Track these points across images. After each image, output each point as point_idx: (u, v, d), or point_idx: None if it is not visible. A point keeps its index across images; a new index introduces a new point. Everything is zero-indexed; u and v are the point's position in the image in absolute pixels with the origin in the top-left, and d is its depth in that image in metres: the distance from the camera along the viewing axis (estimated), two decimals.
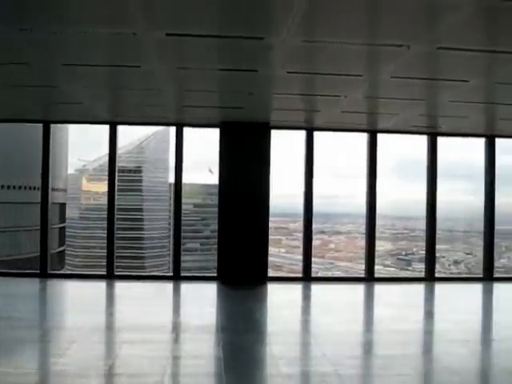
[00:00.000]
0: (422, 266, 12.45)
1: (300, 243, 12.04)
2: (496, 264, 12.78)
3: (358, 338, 7.57)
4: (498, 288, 12.17)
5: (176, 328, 7.95)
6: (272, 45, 6.16)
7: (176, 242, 11.81)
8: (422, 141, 12.47)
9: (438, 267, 12.36)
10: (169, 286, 11.29)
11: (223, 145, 11.59)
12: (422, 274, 12.49)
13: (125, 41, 6.05)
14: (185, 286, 11.35)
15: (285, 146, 12.65)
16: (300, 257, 12.02)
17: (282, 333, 7.69)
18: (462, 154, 13.31)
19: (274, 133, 11.72)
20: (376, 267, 12.14)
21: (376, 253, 12.08)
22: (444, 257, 12.42)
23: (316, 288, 11.56)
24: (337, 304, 9.76)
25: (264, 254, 11.66)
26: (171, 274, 11.81)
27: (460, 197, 12.86)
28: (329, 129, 11.95)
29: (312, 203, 11.99)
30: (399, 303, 9.91)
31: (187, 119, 11.45)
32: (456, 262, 12.66)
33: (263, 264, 11.64)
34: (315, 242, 12.33)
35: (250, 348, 6.92)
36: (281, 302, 9.91)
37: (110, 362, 6.23)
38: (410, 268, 12.54)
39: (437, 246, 12.33)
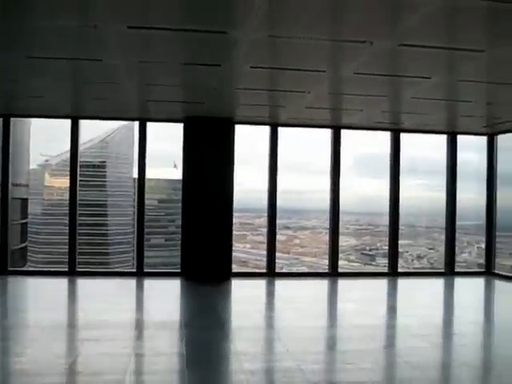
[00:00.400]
0: (385, 261, 12.58)
1: (265, 239, 12.02)
2: (458, 259, 13.03)
3: (321, 333, 7.59)
4: (460, 282, 12.37)
5: (139, 325, 7.86)
6: (235, 39, 6.13)
7: (139, 237, 11.70)
8: (386, 137, 12.57)
9: (401, 262, 12.49)
10: (132, 283, 11.17)
11: (187, 140, 11.52)
12: (386, 269, 12.62)
13: (86, 34, 5.96)
14: (148, 283, 11.24)
15: (249, 142, 12.66)
16: (265, 252, 12.02)
17: (246, 328, 7.68)
18: (424, 150, 13.46)
19: (239, 128, 11.69)
20: (340, 262, 12.19)
21: (340, 248, 12.12)
22: (407, 252, 12.57)
23: (280, 283, 11.58)
24: (300, 299, 9.78)
25: (228, 249, 11.63)
26: (134, 270, 11.67)
27: (422, 192, 12.99)
28: (293, 124, 11.96)
29: (276, 199, 11.99)
30: (363, 298, 9.99)
31: (150, 114, 11.34)
32: (419, 257, 12.77)
33: (227, 259, 11.62)
34: (280, 238, 12.36)
35: (214, 344, 6.88)
36: (245, 297, 9.89)
37: (71, 360, 6.12)
38: (374, 263, 12.64)
39: (400, 241, 12.47)
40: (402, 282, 12.16)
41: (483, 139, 13.08)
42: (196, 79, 8.19)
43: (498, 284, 12.32)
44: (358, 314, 8.64)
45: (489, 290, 12.24)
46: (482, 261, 13.30)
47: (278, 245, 12.13)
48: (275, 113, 10.92)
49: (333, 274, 12.22)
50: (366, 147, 13.23)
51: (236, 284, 11.25)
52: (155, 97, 9.60)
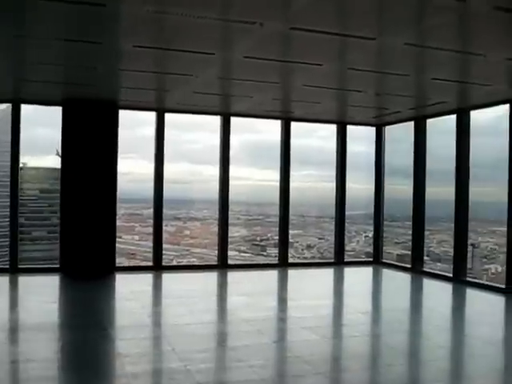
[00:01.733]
0: (276, 251, 12.49)
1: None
2: (346, 248, 13.13)
3: (209, 330, 7.21)
4: (349, 272, 12.46)
5: (9, 327, 7.14)
6: (115, 13, 5.62)
7: (13, 230, 10.80)
8: (276, 126, 12.40)
9: (291, 252, 12.49)
10: (4, 280, 10.26)
11: (66, 125, 10.72)
12: (277, 260, 12.52)
13: None
14: (23, 280, 10.39)
15: (135, 128, 12.17)
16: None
17: (129, 327, 7.18)
18: (315, 140, 13.48)
19: (123, 113, 11.07)
20: (231, 253, 12.03)
21: (231, 239, 11.93)
22: (297, 242, 12.55)
23: (168, 277, 11.12)
24: (188, 294, 9.36)
25: (112, 242, 11.01)
26: (7, 267, 10.72)
27: (313, 183, 12.97)
28: (181, 110, 11.49)
29: (163, 188, 11.50)
30: (253, 291, 9.74)
31: (25, 95, 10.37)
32: (309, 247, 12.76)
33: (111, 253, 11.00)
34: (170, 229, 12.07)
35: (93, 346, 6.33)
36: (129, 293, 9.31)
37: None
38: (265, 253, 12.52)
39: (291, 232, 12.42)
40: (292, 273, 12.07)
41: (373, 130, 13.22)
42: (75, 58, 7.55)
43: (386, 273, 12.51)
44: (247, 308, 8.36)
45: (377, 279, 12.41)
46: (370, 249, 13.51)
47: (167, 236, 11.83)
48: (161, 97, 10.41)
49: (223, 265, 11.93)
50: (255, 136, 13.15)
51: (120, 279, 10.67)
52: (30, 76, 8.79)
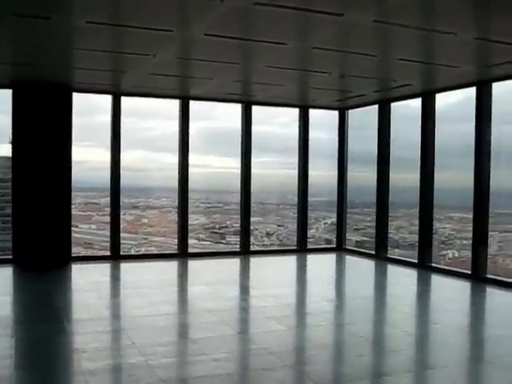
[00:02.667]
0: (236, 239, 12.24)
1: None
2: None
3: (171, 321, 6.89)
4: (312, 259, 12.28)
5: None
6: None
7: None
8: (236, 112, 12.09)
9: (251, 239, 12.25)
10: None
11: (17, 109, 10.16)
12: (237, 247, 12.26)
13: None
14: None
15: (92, 115, 11.71)
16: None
17: (87, 320, 6.78)
18: (274, 127, 13.23)
19: (79, 99, 10.58)
20: (191, 241, 11.70)
21: (190, 227, 11.64)
22: (257, 229, 12.36)
23: (126, 267, 10.74)
24: (148, 284, 9.00)
25: (67, 231, 10.54)
26: None
27: (272, 170, 12.81)
28: (138, 94, 11.04)
29: (119, 176, 11.07)
30: (215, 279, 9.45)
31: None
32: (268, 234, 12.62)
33: (66, 242, 10.54)
34: (128, 218, 11.76)
35: (49, 341, 5.92)
36: (86, 284, 8.91)
37: None
38: (224, 241, 12.34)
39: (250, 219, 12.18)
40: (254, 261, 11.81)
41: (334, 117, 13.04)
42: (23, 35, 7.04)
43: (350, 259, 12.36)
44: (209, 298, 8.06)
45: (341, 266, 12.24)
46: (329, 236, 13.38)
47: (125, 225, 11.50)
48: (117, 80, 9.96)
49: (183, 254, 11.59)
50: (213, 123, 12.78)
51: (77, 269, 10.24)
52: None
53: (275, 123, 12.94)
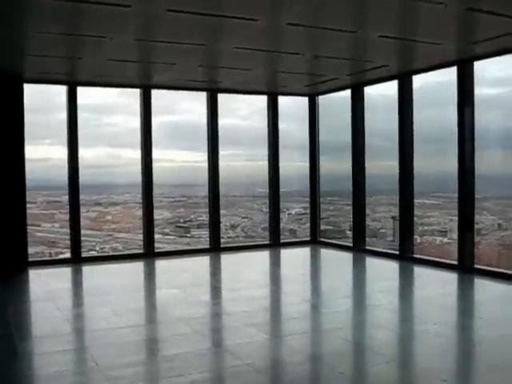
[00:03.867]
0: (200, 233, 11.85)
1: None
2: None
3: (139, 335, 6.10)
4: (287, 254, 11.70)
5: None
6: None
7: None
8: (199, 106, 11.49)
9: None
10: None
11: None
12: (206, 243, 11.67)
13: None
14: None
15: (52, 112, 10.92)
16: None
17: (44, 338, 6.00)
18: (236, 118, 12.65)
19: (29, 88, 9.68)
20: (156, 236, 11.14)
21: (155, 221, 11.10)
22: (222, 222, 11.75)
23: (89, 270, 9.96)
24: (112, 289, 8.23)
25: (22, 234, 9.69)
26: None
27: (234, 162, 12.10)
28: (96, 83, 10.20)
29: (78, 173, 10.27)
30: (185, 281, 8.78)
31: None
32: (233, 226, 12.21)
33: (22, 247, 9.69)
34: (91, 215, 11.28)
35: None
36: (43, 293, 8.04)
37: None
38: (189, 235, 11.89)
39: (220, 215, 11.69)
40: (226, 258, 11.15)
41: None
42: None
43: (327, 253, 11.82)
44: (181, 303, 7.35)
45: (318, 261, 11.67)
46: (293, 226, 13.07)
47: (88, 222, 11.03)
48: (73, 68, 9.10)
49: (149, 253, 10.87)
50: (176, 117, 12.20)
51: (34, 275, 9.38)
52: None
53: (236, 116, 12.49)
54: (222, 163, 11.45)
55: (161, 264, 10.56)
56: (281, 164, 12.14)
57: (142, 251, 11.04)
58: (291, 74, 9.98)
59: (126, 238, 11.48)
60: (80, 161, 10.31)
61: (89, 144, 10.49)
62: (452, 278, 8.87)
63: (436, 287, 8.25)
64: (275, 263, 11.23)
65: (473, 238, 8.96)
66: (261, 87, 11.37)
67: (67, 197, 10.39)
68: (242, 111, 12.73)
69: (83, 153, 10.37)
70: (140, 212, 11.09)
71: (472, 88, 8.86)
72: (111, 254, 11.20)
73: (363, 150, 11.14)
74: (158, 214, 11.37)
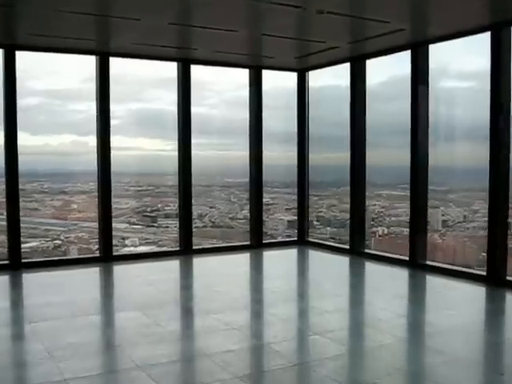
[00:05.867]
0: (167, 222, 11.05)
1: (39, 205, 10.20)
2: (238, 216, 11.63)
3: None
4: (270, 258, 10.05)
5: None
6: None
7: None
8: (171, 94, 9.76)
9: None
10: None
11: None
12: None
13: None
14: None
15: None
16: (41, 220, 10.11)
17: None
18: (205, 107, 11.10)
19: None
20: (122, 225, 10.48)
21: (121, 210, 10.58)
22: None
23: (29, 281, 8.12)
24: (54, 312, 6.20)
25: None
26: None
27: (201, 152, 10.86)
28: (38, 47, 8.24)
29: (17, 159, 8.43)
30: (149, 300, 6.83)
31: None
32: (201, 216, 11.36)
33: None
34: (56, 203, 10.65)
35: None
36: None
37: None
38: (156, 224, 11.15)
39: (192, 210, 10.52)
40: (199, 264, 9.45)
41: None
42: None
43: (317, 256, 10.12)
44: (143, 336, 5.38)
45: (309, 267, 9.84)
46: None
47: (53, 211, 10.46)
48: (10, 27, 7.08)
49: (106, 257, 9.16)
50: (145, 104, 10.82)
51: None
52: None
53: (204, 104, 11.03)
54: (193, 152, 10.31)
55: (119, 272, 8.76)
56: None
57: (98, 255, 9.32)
58: (280, 40, 8.06)
59: (92, 227, 10.54)
60: (45, 148, 9.61)
61: (54, 131, 9.82)
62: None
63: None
64: (258, 273, 9.28)
65: (425, 232, 8.55)
66: (243, 59, 9.50)
67: (33, 184, 9.90)
68: (209, 100, 11.41)
69: (48, 140, 9.76)
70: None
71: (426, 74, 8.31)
72: (59, 258, 9.38)
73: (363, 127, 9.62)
74: (124, 204, 10.89)
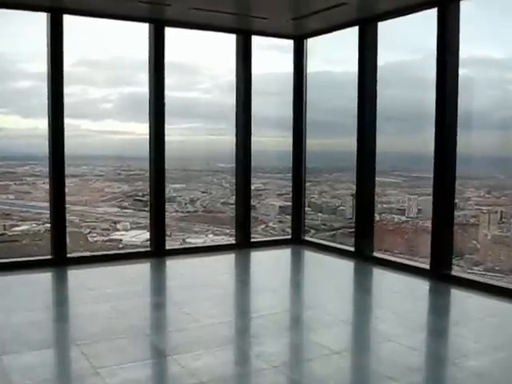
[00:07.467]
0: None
1: (30, 188, 10.24)
2: (225, 200, 11.35)
3: None
4: (261, 262, 8.64)
5: None
6: None
7: None
8: None
9: (174, 206, 11.13)
10: None
11: None
12: (149, 246, 9.13)
13: None
14: None
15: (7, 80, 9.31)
16: (33, 203, 10.08)
17: None
18: (197, 91, 10.68)
19: None
20: (113, 209, 10.55)
21: (113, 195, 10.71)
22: (180, 196, 11.36)
23: None
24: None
25: None
26: None
27: (196, 136, 11.00)
28: None
29: None
30: (112, 325, 5.22)
31: None
32: (192, 201, 11.46)
33: None
34: (46, 187, 10.21)
35: None
36: None
37: None
38: (147, 209, 10.80)
39: (173, 186, 10.74)
40: (174, 272, 7.86)
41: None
42: None
43: (316, 259, 8.62)
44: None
45: (307, 273, 8.11)
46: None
47: (45, 194, 9.90)
48: None
49: (59, 259, 7.81)
50: (136, 89, 10.03)
51: None
52: None
53: (196, 89, 10.83)
54: (182, 137, 10.44)
55: (79, 279, 7.24)
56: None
57: (52, 257, 7.92)
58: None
59: (82, 211, 10.82)
60: (36, 131, 9.30)
61: (44, 114, 9.19)
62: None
63: None
64: (243, 281, 7.60)
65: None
66: (228, 20, 7.87)
67: (24, 168, 10.07)
68: (202, 85, 11.02)
69: (40, 123, 9.23)
70: (97, 184, 10.46)
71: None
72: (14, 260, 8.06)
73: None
74: (117, 188, 11.04)
